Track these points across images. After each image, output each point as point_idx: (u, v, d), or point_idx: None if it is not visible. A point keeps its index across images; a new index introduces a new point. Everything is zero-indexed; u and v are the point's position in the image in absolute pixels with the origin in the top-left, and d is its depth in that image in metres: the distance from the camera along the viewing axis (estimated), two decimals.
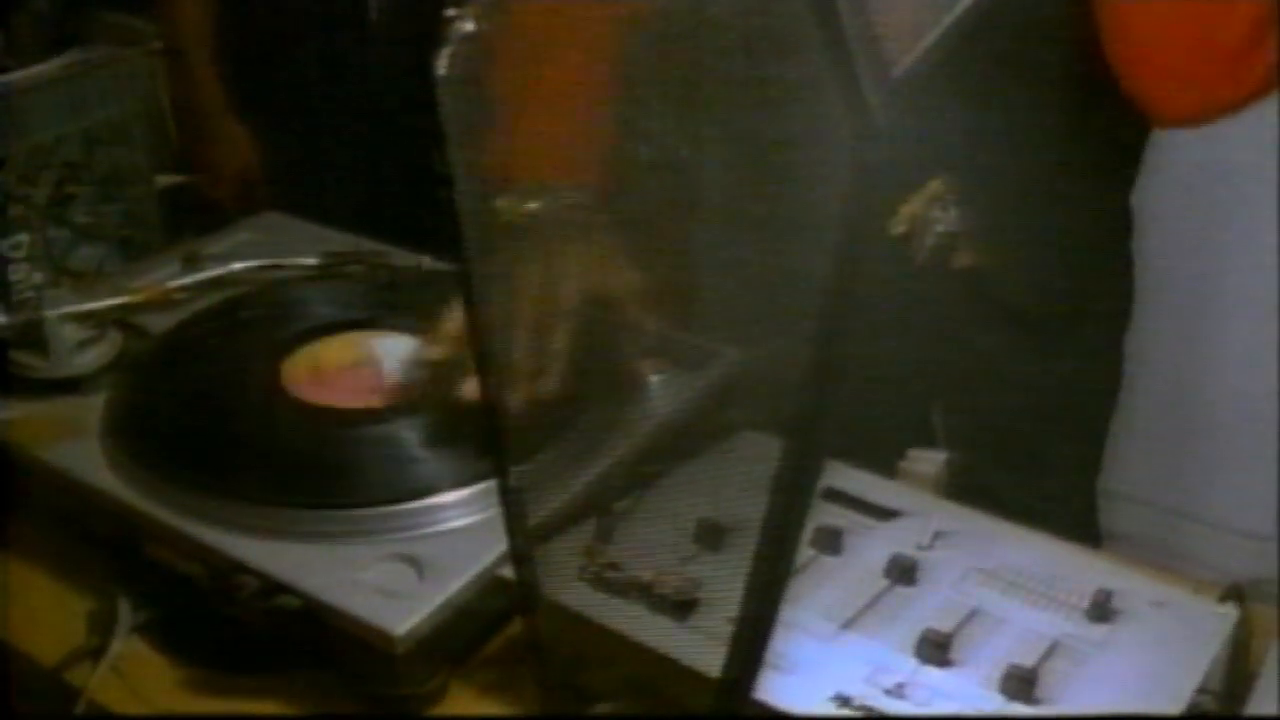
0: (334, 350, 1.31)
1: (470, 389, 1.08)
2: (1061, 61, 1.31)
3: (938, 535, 1.10)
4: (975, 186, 1.40)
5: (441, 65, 0.76)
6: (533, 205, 1.18)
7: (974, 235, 1.42)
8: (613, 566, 1.03)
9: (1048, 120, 1.36)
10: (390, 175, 1.90)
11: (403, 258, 1.47)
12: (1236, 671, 1.01)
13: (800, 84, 1.13)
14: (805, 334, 0.61)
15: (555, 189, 1.20)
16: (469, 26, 0.77)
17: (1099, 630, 1.01)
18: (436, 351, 1.19)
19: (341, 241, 1.50)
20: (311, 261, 1.46)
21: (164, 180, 1.89)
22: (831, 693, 0.92)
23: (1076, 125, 1.32)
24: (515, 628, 1.10)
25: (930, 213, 1.41)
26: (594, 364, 1.22)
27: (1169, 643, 1.00)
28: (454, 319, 1.17)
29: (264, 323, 1.35)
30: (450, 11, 0.77)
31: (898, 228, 1.38)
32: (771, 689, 0.90)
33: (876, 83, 0.55)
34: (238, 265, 1.45)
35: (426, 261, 1.46)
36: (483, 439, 0.85)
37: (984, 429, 1.59)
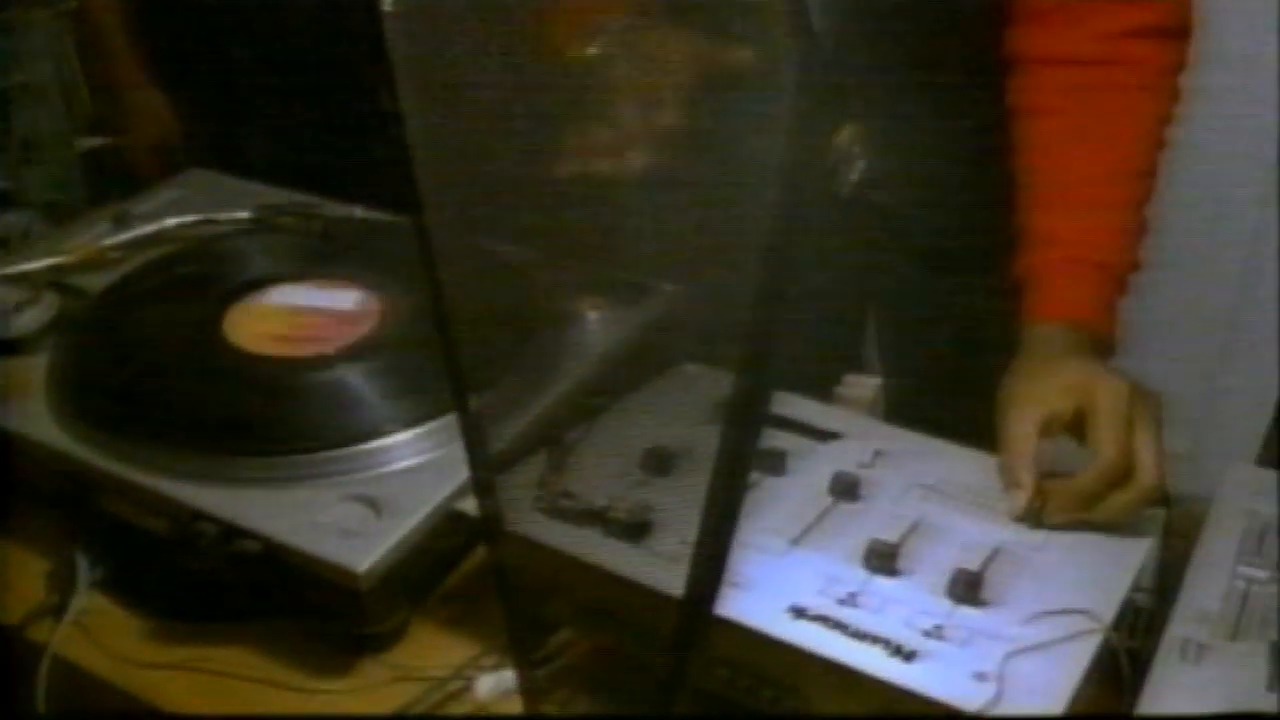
0: (274, 301, 1.32)
1: None
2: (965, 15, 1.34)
3: (878, 454, 1.14)
4: (879, 130, 1.43)
5: (388, 1, 0.76)
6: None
7: (880, 176, 1.45)
8: (567, 495, 1.05)
9: (948, 65, 1.39)
10: (315, 127, 1.89)
11: (335, 208, 1.48)
12: (1167, 572, 1.05)
13: (745, 14, 1.15)
14: (745, 266, 0.62)
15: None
16: None
17: (1037, 535, 1.05)
18: None
19: (272, 195, 1.51)
20: (244, 215, 1.46)
21: (85, 143, 1.87)
22: (787, 605, 0.95)
23: (976, 68, 1.35)
24: (472, 563, 1.13)
25: (853, 148, 1.43)
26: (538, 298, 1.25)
27: (1103, 544, 1.04)
28: None
29: (202, 277, 1.36)
30: None
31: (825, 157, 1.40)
32: (730, 605, 0.92)
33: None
34: (171, 221, 1.46)
35: (359, 211, 1.47)
36: (436, 375, 0.86)
37: (915, 357, 1.63)
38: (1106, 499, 1.05)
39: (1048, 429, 1.10)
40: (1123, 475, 1.05)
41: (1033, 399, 1.12)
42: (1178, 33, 1.28)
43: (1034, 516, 1.06)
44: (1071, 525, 1.05)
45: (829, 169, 1.42)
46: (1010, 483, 1.08)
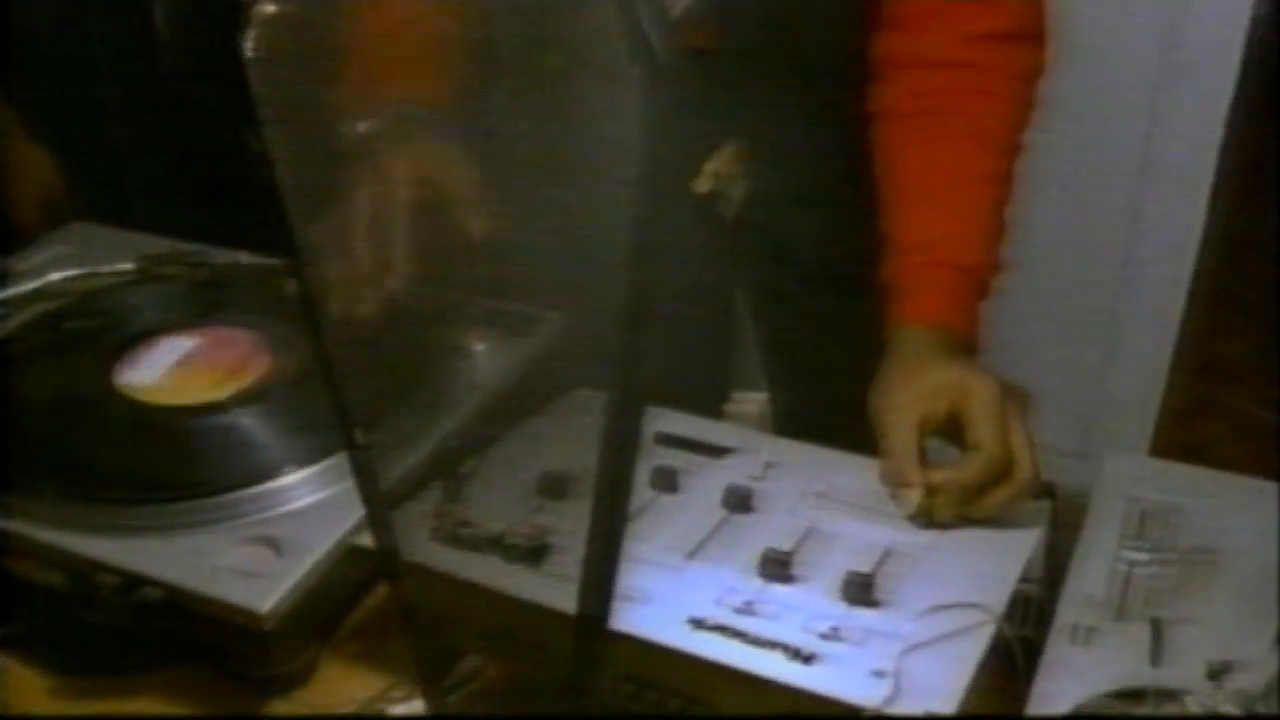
0: (164, 350, 1.32)
1: None
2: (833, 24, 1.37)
3: (769, 466, 1.16)
4: (759, 150, 1.45)
5: (248, 48, 0.77)
6: (362, 126, 1.20)
7: (763, 196, 1.48)
8: (464, 524, 1.06)
9: (821, 87, 1.42)
10: (196, 176, 1.89)
11: (220, 255, 1.48)
12: (1055, 561, 1.08)
13: (590, 37, 1.17)
14: (617, 290, 0.64)
15: (385, 106, 1.22)
16: (271, 8, 0.79)
17: (926, 535, 1.07)
18: None
19: (156, 245, 1.51)
20: (129, 266, 1.46)
21: None
22: (686, 616, 0.97)
23: (848, 80, 1.38)
24: (375, 598, 1.14)
25: (735, 169, 1.45)
26: (423, 334, 1.26)
27: (991, 539, 1.07)
28: None
29: (90, 331, 1.36)
30: None
31: (703, 186, 1.42)
32: (630, 619, 0.94)
33: (657, 23, 0.58)
34: (55, 276, 1.45)
35: (244, 257, 1.47)
36: (328, 414, 0.87)
37: (802, 372, 1.65)
38: (989, 494, 1.08)
39: (923, 430, 1.13)
40: (1003, 470, 1.09)
41: (907, 401, 1.15)
42: (1028, 38, 1.31)
43: (925, 514, 1.08)
44: (959, 523, 1.08)
45: (711, 194, 1.44)
46: (898, 483, 1.11)
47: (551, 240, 1.22)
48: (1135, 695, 0.89)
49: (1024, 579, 1.03)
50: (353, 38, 1.03)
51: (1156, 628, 0.94)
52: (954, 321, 1.24)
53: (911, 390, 1.16)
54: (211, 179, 1.76)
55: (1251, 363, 3.29)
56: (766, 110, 1.40)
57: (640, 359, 0.64)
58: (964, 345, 1.23)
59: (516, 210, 1.25)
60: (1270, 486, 1.11)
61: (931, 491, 1.09)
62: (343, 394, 0.83)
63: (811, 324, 1.59)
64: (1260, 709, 0.86)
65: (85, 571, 1.06)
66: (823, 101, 1.41)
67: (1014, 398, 1.13)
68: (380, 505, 0.89)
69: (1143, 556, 1.03)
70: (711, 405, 1.60)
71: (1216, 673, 0.90)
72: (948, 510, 1.08)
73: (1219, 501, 1.09)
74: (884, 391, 1.18)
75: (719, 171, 1.43)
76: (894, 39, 1.32)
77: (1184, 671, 0.91)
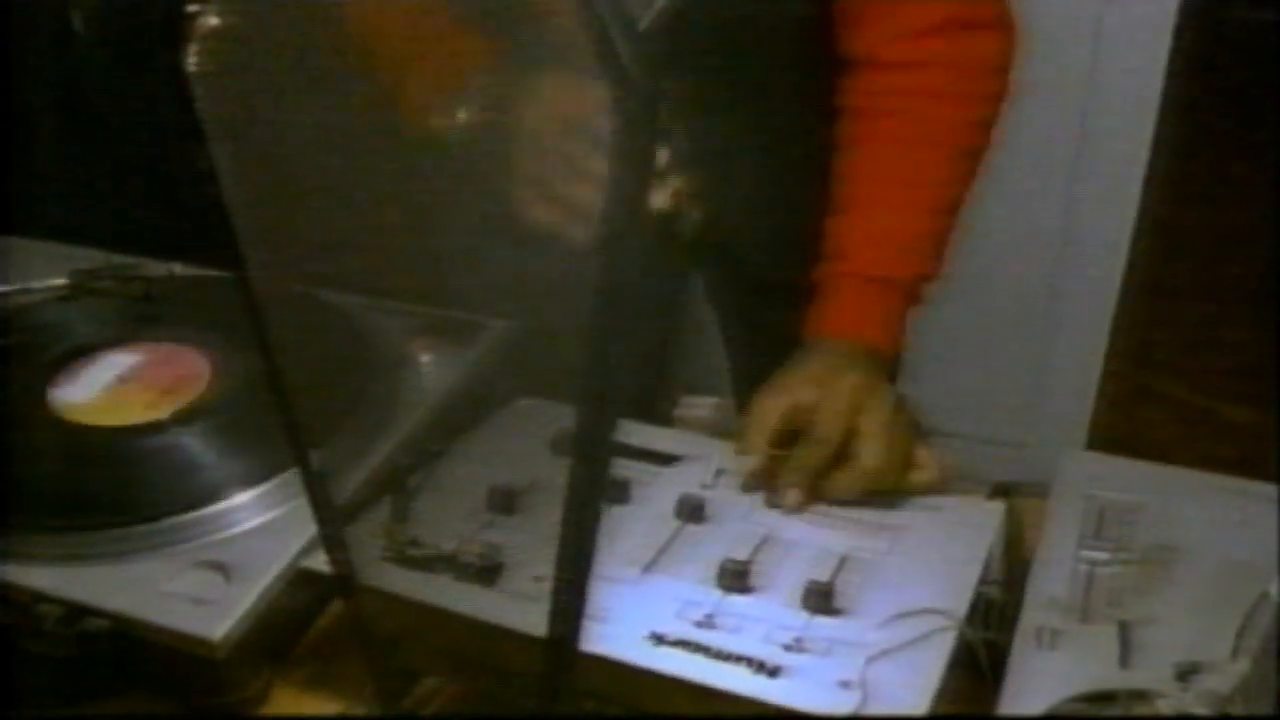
0: (100, 368, 1.29)
1: None
2: (789, 36, 1.35)
3: (720, 473, 1.15)
4: (712, 169, 1.44)
5: (191, 62, 0.75)
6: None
7: (718, 215, 1.46)
8: (414, 544, 1.04)
9: (779, 98, 1.41)
10: (124, 186, 1.86)
11: (154, 267, 1.45)
12: (1013, 562, 1.08)
13: (556, 50, 1.15)
14: (572, 299, 0.63)
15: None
16: (213, 21, 0.77)
17: (883, 540, 1.06)
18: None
19: (88, 258, 1.48)
20: (61, 281, 1.43)
21: None
22: (646, 632, 0.95)
23: (807, 102, 1.37)
24: (326, 619, 1.11)
25: (690, 189, 1.43)
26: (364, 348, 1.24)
27: (948, 542, 1.06)
28: None
29: (21, 348, 1.32)
30: (192, 8, 0.76)
31: (659, 201, 1.40)
32: (590, 637, 0.92)
33: (626, 37, 0.57)
34: None
35: (178, 268, 1.45)
36: (273, 431, 0.85)
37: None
38: (833, 477, 1.11)
39: (788, 415, 1.15)
40: (835, 453, 1.12)
41: (782, 386, 1.18)
42: (985, 26, 1.28)
43: (758, 485, 1.13)
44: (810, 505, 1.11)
45: (669, 213, 1.42)
46: (741, 450, 1.15)
47: (500, 249, 1.21)
48: (1105, 698, 0.88)
49: (984, 581, 1.03)
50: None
51: (1123, 629, 0.94)
52: (861, 332, 1.24)
53: (791, 379, 1.19)
54: (141, 187, 1.74)
55: (1184, 350, 3.33)
56: (720, 125, 1.39)
57: (612, 375, 0.62)
58: (875, 356, 1.23)
59: (462, 217, 1.23)
60: (1223, 480, 1.11)
61: (774, 465, 1.12)
62: (295, 414, 0.81)
63: (769, 337, 1.59)
64: (1231, 710, 0.86)
65: (26, 603, 1.03)
66: (781, 113, 1.41)
67: (884, 401, 1.15)
68: (335, 526, 0.87)
69: (1103, 555, 1.02)
70: (646, 410, 1.59)
71: (1185, 674, 0.89)
72: (789, 484, 1.11)
73: (1174, 497, 1.09)
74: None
75: (678, 189, 1.41)
76: (847, 36, 1.30)
77: (1152, 673, 0.90)
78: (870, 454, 1.11)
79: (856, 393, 1.14)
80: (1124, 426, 2.89)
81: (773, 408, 1.16)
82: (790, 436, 1.14)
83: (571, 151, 1.18)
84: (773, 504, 1.11)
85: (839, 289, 1.25)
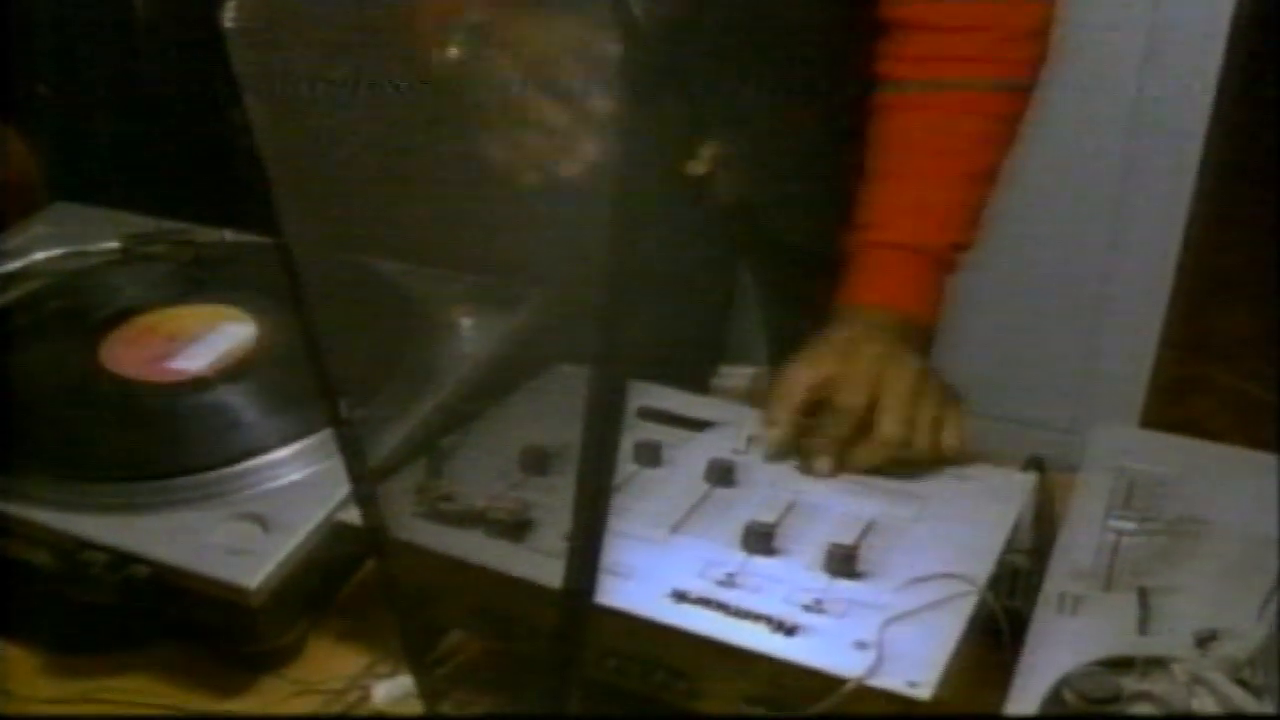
0: (150, 328, 1.32)
1: None
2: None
3: (751, 439, 1.16)
4: (746, 137, 1.44)
5: (228, 19, 0.77)
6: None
7: (753, 184, 1.48)
8: (446, 499, 1.06)
9: (815, 63, 1.41)
10: (176, 152, 1.88)
11: (204, 234, 1.48)
12: (1042, 533, 1.09)
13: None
14: (599, 266, 0.64)
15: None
16: None
17: (911, 507, 1.07)
18: None
19: (140, 224, 1.51)
20: (114, 245, 1.46)
21: None
22: (669, 590, 0.97)
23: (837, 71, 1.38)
24: (363, 575, 1.14)
25: (729, 154, 1.44)
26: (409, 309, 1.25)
27: (975, 510, 1.07)
28: None
29: (75, 310, 1.35)
30: None
31: (698, 169, 1.41)
32: (613, 593, 0.94)
33: None
34: (39, 256, 1.45)
35: (229, 235, 1.47)
36: (315, 390, 0.87)
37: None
38: (855, 450, 1.12)
39: (817, 386, 1.16)
40: (862, 425, 1.13)
41: (808, 358, 1.19)
42: None
43: (783, 452, 1.14)
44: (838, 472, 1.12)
45: (709, 175, 1.43)
46: (768, 421, 1.15)
47: (536, 215, 1.22)
48: (1123, 663, 0.89)
49: (1013, 550, 1.04)
50: None
51: (1144, 596, 0.94)
52: (894, 301, 1.24)
53: (819, 351, 1.19)
54: (192, 153, 1.76)
55: (1239, 338, 3.30)
56: (755, 91, 1.40)
57: (622, 333, 0.63)
58: (907, 324, 1.23)
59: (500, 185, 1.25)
60: (1255, 456, 1.12)
61: (803, 434, 1.14)
62: (328, 369, 0.83)
63: (806, 305, 1.60)
64: (1247, 676, 0.86)
65: (72, 550, 1.06)
66: (818, 79, 1.41)
67: (905, 375, 1.15)
68: (367, 481, 0.89)
69: (1130, 526, 1.03)
70: (702, 378, 1.60)
71: (1204, 640, 0.90)
72: (814, 454, 1.12)
73: (1206, 471, 1.10)
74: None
75: (716, 155, 1.42)
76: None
77: (1171, 640, 0.91)
78: (889, 424, 1.12)
79: (878, 362, 1.15)
80: (1177, 413, 2.88)
81: (797, 380, 1.17)
82: (817, 407, 1.15)
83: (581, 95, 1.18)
84: (803, 470, 1.12)
85: (871, 257, 1.26)
